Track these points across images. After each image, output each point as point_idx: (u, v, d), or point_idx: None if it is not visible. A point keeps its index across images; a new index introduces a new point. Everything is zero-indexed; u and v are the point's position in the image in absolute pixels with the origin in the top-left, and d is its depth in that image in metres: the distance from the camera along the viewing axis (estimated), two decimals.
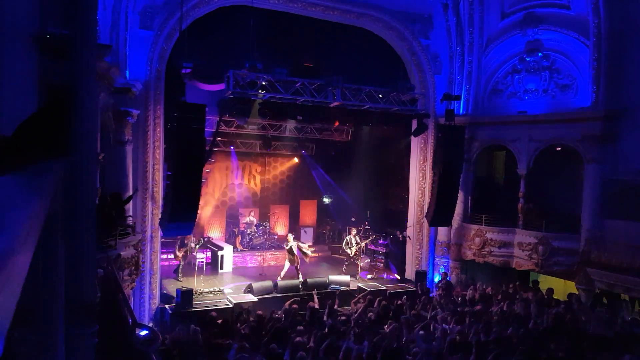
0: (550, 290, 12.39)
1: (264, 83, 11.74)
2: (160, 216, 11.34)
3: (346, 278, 14.01)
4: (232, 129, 17.11)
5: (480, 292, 12.58)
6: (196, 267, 14.07)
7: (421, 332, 8.32)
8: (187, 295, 11.47)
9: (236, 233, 17.63)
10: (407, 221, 16.08)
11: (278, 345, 7.25)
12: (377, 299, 11.57)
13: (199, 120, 10.06)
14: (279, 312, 9.96)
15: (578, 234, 12.89)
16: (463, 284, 14.30)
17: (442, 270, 15.31)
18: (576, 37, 13.16)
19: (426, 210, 14.85)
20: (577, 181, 13.24)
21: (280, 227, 19.38)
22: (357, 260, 15.55)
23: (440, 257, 15.64)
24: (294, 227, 19.03)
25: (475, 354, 7.36)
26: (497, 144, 15.18)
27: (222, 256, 15.46)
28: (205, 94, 13.48)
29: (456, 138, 13.48)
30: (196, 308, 11.31)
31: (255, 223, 17.88)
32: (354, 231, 15.96)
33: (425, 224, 15.23)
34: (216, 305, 11.48)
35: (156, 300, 12.27)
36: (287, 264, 14.05)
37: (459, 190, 14.03)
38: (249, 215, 18.24)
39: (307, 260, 14.64)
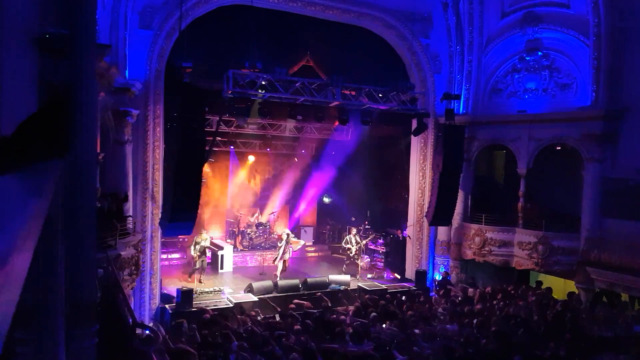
0: (549, 290, 12.39)
1: (263, 82, 11.73)
2: (160, 216, 11.33)
3: (346, 277, 14.01)
4: (232, 128, 17.10)
5: (480, 291, 12.58)
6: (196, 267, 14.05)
7: (421, 331, 8.33)
8: (187, 295, 11.47)
9: (236, 233, 17.63)
10: (407, 220, 16.08)
11: (277, 345, 7.25)
12: (376, 298, 11.59)
13: (198, 120, 10.06)
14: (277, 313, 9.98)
15: (578, 233, 12.89)
16: (463, 283, 14.30)
17: (442, 269, 15.32)
18: (576, 36, 13.15)
19: (426, 210, 14.86)
20: (577, 180, 13.24)
21: (280, 227, 19.38)
22: (357, 259, 15.55)
23: (440, 257, 15.64)
24: (294, 226, 19.04)
25: (475, 353, 7.35)
26: (497, 143, 15.18)
27: (222, 256, 15.46)
28: (205, 93, 13.48)
29: (456, 137, 13.47)
30: (196, 308, 11.30)
31: (255, 223, 17.88)
32: (354, 231, 15.96)
33: (425, 224, 15.24)
34: (216, 305, 11.49)
35: (156, 300, 12.27)
36: (280, 263, 14.18)
37: (459, 190, 14.02)
38: (250, 215, 18.24)
39: (294, 248, 14.85)
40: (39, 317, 2.23)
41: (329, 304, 11.09)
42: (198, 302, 11.70)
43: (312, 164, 20.63)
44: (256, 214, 18.34)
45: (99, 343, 3.20)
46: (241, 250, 17.05)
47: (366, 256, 16.60)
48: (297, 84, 12.30)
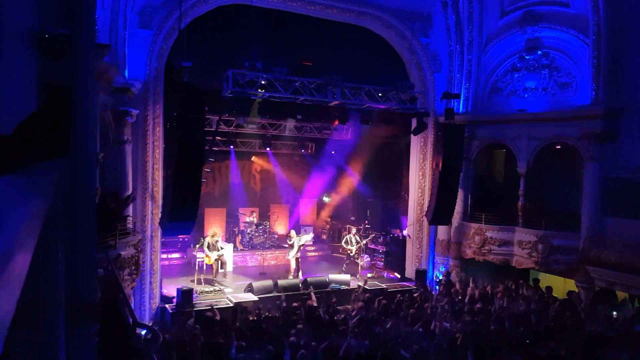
0: (549, 288, 12.39)
1: (263, 82, 11.73)
2: (160, 216, 11.33)
3: (346, 277, 14.02)
4: (232, 128, 17.10)
5: (480, 290, 12.59)
6: (196, 267, 14.06)
7: (421, 329, 8.34)
8: (187, 294, 11.47)
9: (236, 232, 17.63)
10: (407, 220, 16.08)
11: (277, 344, 7.26)
12: (377, 297, 11.60)
13: (198, 120, 10.06)
14: (279, 312, 9.99)
15: (578, 232, 12.89)
16: (463, 282, 14.30)
17: (442, 268, 15.32)
18: (576, 35, 13.15)
19: (426, 209, 14.87)
20: (576, 179, 13.24)
21: (280, 227, 19.38)
22: (357, 259, 15.56)
23: (440, 256, 15.64)
24: (294, 226, 19.03)
25: (475, 351, 7.36)
26: (496, 142, 15.18)
27: (219, 257, 15.43)
28: (205, 93, 13.46)
29: (456, 137, 13.48)
30: (196, 307, 11.31)
31: (255, 222, 17.88)
32: (353, 230, 15.97)
33: (425, 223, 15.24)
34: (216, 305, 11.49)
35: (156, 300, 12.27)
36: (293, 262, 14.20)
37: (459, 189, 14.03)
38: (250, 215, 18.24)
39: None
40: (39, 317, 2.23)
41: (330, 303, 11.07)
42: (198, 301, 11.70)
43: (311, 164, 20.63)
44: (253, 214, 18.33)
45: (99, 343, 3.20)
46: (241, 250, 17.05)
47: (366, 255, 16.61)
48: (296, 84, 12.30)
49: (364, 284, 12.84)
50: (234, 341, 7.49)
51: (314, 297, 11.31)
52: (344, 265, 15.56)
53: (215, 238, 13.96)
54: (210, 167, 18.39)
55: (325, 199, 20.71)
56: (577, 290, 12.49)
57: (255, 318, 9.71)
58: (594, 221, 12.59)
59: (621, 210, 12.04)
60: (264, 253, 16.91)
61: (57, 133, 2.67)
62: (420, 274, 14.75)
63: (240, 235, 17.48)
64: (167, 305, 11.78)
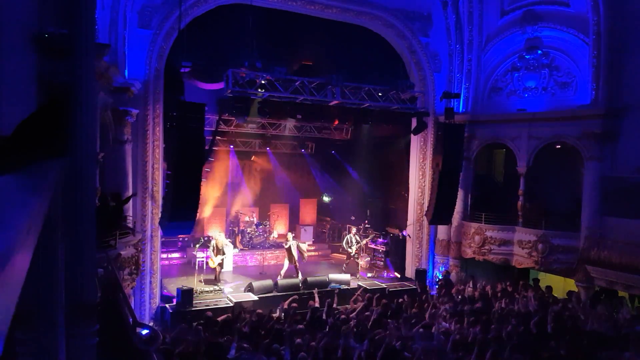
0: (549, 288, 12.39)
1: (263, 82, 11.73)
2: (160, 215, 11.33)
3: (346, 277, 14.01)
4: (232, 127, 17.12)
5: (480, 290, 12.59)
6: (196, 267, 14.06)
7: (421, 330, 8.33)
8: (187, 294, 11.47)
9: (236, 232, 17.64)
10: (407, 219, 16.08)
11: (278, 344, 7.25)
12: (377, 297, 11.60)
13: (198, 120, 10.06)
14: (278, 311, 9.97)
15: (578, 231, 12.89)
16: (463, 282, 14.31)
17: (442, 268, 15.32)
18: (576, 35, 13.15)
19: (426, 209, 14.87)
20: (576, 179, 13.25)
21: (280, 226, 19.38)
22: (357, 258, 15.55)
23: (440, 256, 15.65)
24: (294, 226, 19.04)
25: (475, 352, 7.36)
26: (496, 142, 15.18)
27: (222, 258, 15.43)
28: (205, 92, 13.48)
29: (456, 136, 13.49)
30: (196, 307, 11.31)
31: (255, 222, 17.88)
32: (353, 230, 15.96)
33: (425, 222, 15.24)
34: (216, 305, 11.50)
35: (156, 300, 12.27)
36: (286, 263, 14.08)
37: (459, 189, 14.04)
38: (250, 214, 18.24)
39: (303, 260, 14.64)
40: (39, 317, 2.23)
41: (331, 303, 11.07)
42: (198, 301, 11.70)
43: (311, 163, 20.63)
44: (253, 214, 18.34)
45: (100, 343, 3.19)
46: (241, 249, 17.05)
47: (366, 255, 16.61)
48: (296, 83, 12.30)
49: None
50: (234, 341, 7.49)
51: (317, 297, 11.30)
52: (344, 265, 15.56)
53: (222, 241, 13.93)
54: (210, 167, 18.41)
55: (325, 199, 20.71)
56: (577, 290, 12.49)
57: (255, 318, 9.70)
58: (594, 221, 12.59)
59: (621, 210, 12.04)
60: (264, 253, 16.91)
61: (57, 133, 2.67)
62: (420, 274, 14.75)
63: (240, 235, 17.48)
64: (167, 305, 11.78)
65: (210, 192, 18.52)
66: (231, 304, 11.59)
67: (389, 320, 9.28)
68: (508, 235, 14.27)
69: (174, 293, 12.09)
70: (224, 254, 13.83)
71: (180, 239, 16.90)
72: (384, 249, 16.67)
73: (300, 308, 10.31)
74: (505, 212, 14.43)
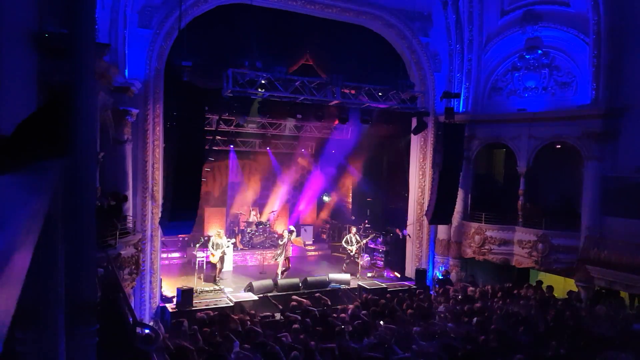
0: (550, 288, 12.39)
1: (263, 81, 11.72)
2: (160, 215, 11.33)
3: (346, 276, 14.02)
4: (232, 127, 17.11)
5: (480, 289, 12.59)
6: (196, 266, 14.06)
7: (420, 329, 8.33)
8: (187, 294, 11.47)
9: (236, 232, 17.64)
10: (407, 219, 16.08)
11: (274, 344, 7.25)
12: (376, 297, 11.60)
13: (198, 119, 10.06)
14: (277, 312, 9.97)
15: (578, 231, 12.89)
16: (463, 282, 14.31)
17: (442, 268, 15.32)
18: (576, 35, 13.14)
19: (426, 208, 14.87)
20: (576, 179, 13.24)
21: (280, 226, 19.38)
22: (357, 258, 15.55)
23: (440, 255, 15.65)
24: (294, 225, 19.03)
25: (475, 351, 7.36)
26: (497, 141, 15.18)
27: (222, 254, 15.43)
28: (205, 92, 13.45)
29: (456, 136, 13.49)
30: (196, 307, 11.31)
31: (255, 222, 17.88)
32: (353, 229, 15.96)
33: (425, 222, 15.24)
34: (217, 304, 11.50)
35: (156, 299, 12.27)
36: (280, 260, 14.18)
37: (459, 188, 14.04)
38: (250, 214, 18.24)
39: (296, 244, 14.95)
40: (39, 317, 2.23)
41: (329, 303, 11.08)
42: (198, 301, 11.71)
43: (311, 163, 20.63)
44: (253, 213, 18.34)
45: (100, 342, 3.19)
46: (241, 249, 17.05)
47: (366, 255, 16.61)
48: (296, 83, 12.29)
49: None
50: (234, 341, 7.49)
51: (315, 297, 11.31)
52: (344, 265, 15.56)
53: (220, 237, 13.97)
54: (210, 167, 18.41)
55: (325, 198, 20.71)
56: (577, 290, 12.49)
57: (254, 318, 9.71)
58: (594, 220, 12.59)
59: (621, 209, 12.04)
60: (264, 252, 16.91)
61: (57, 133, 2.67)
62: (420, 274, 14.75)
63: (240, 234, 17.48)
64: (167, 305, 11.78)
65: (210, 192, 18.52)
66: (231, 304, 11.59)
67: (388, 319, 9.27)
68: (508, 235, 14.27)
69: (174, 293, 12.09)
70: (222, 248, 13.86)
71: (180, 238, 16.90)
72: (384, 249, 16.67)
73: (299, 308, 10.31)
74: (505, 212, 14.43)
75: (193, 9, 12.16)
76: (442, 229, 15.48)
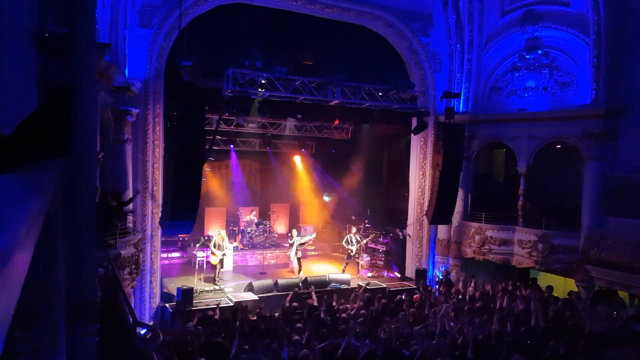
0: (550, 288, 12.39)
1: (263, 81, 11.73)
2: (160, 215, 11.33)
3: (346, 276, 14.02)
4: (232, 127, 17.11)
5: (480, 289, 12.58)
6: (196, 266, 14.07)
7: (421, 329, 8.33)
8: (187, 293, 11.47)
9: (236, 232, 17.64)
10: (407, 219, 16.08)
11: (277, 343, 7.25)
12: (377, 296, 11.60)
13: (198, 119, 10.07)
14: (278, 312, 9.97)
15: (578, 231, 12.89)
16: (463, 282, 14.30)
17: (442, 268, 15.32)
18: (576, 35, 13.14)
19: (426, 208, 14.87)
20: (577, 179, 13.24)
21: (280, 226, 19.39)
22: (358, 258, 15.56)
23: (440, 255, 15.65)
24: (294, 225, 19.04)
25: (475, 351, 7.36)
26: (497, 141, 15.17)
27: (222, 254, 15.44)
28: (205, 92, 13.45)
29: (456, 136, 13.49)
30: (196, 307, 11.31)
31: (255, 222, 17.88)
32: (354, 229, 15.96)
33: (425, 222, 15.24)
34: (217, 304, 11.49)
35: (157, 299, 12.27)
36: (295, 262, 14.24)
37: (459, 188, 14.05)
38: (250, 214, 18.24)
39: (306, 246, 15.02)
40: (39, 316, 2.24)
41: (330, 302, 11.07)
42: (198, 301, 11.71)
43: (311, 163, 20.63)
44: (253, 213, 18.34)
45: (100, 342, 3.20)
46: (241, 249, 17.05)
47: (366, 255, 16.61)
48: (296, 83, 12.30)
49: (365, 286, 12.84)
50: (235, 341, 7.49)
51: (314, 296, 11.32)
52: (344, 265, 15.57)
53: (223, 239, 13.96)
54: (211, 167, 18.41)
55: (326, 198, 20.70)
56: (577, 290, 12.49)
57: (255, 317, 9.72)
58: (594, 220, 12.59)
59: (621, 209, 12.04)
60: (264, 252, 16.92)
61: (57, 132, 2.67)
62: (421, 274, 14.75)
63: (240, 234, 17.48)
64: (167, 304, 11.78)
65: (211, 192, 18.53)
66: (231, 304, 11.59)
67: (388, 319, 9.27)
68: (508, 235, 14.27)
69: (174, 292, 12.09)
70: (224, 249, 13.86)
71: (181, 238, 16.90)
72: (384, 249, 16.67)
73: (300, 307, 10.32)
74: (506, 212, 14.42)
75: (193, 9, 12.16)
76: (442, 229, 15.48)
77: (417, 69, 15.28)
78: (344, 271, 14.91)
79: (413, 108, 14.09)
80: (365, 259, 16.39)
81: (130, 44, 11.36)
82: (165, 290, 12.87)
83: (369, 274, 15.59)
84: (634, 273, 11.16)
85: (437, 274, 15.39)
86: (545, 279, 13.82)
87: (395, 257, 16.48)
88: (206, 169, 16.83)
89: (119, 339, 4.97)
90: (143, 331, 5.71)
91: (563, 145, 13.93)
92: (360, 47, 14.45)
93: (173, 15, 11.56)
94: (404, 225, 16.33)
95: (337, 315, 9.66)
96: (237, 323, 9.07)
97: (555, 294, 12.23)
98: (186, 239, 16.83)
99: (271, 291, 12.74)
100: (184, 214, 9.98)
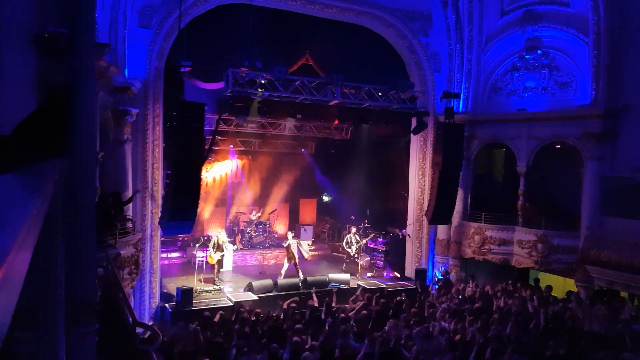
0: (549, 288, 12.40)
1: (263, 81, 11.73)
2: (160, 215, 11.33)
3: (346, 276, 14.02)
4: (232, 127, 17.10)
5: (480, 289, 12.59)
6: (196, 266, 14.06)
7: (420, 330, 8.33)
8: (187, 294, 11.47)
9: (236, 232, 17.64)
10: (407, 219, 16.09)
11: (277, 344, 7.25)
12: (376, 296, 11.60)
13: (198, 119, 10.06)
14: (278, 312, 9.97)
15: (577, 231, 12.90)
16: (462, 282, 14.31)
17: (442, 268, 15.32)
18: (575, 35, 13.15)
19: (426, 208, 14.87)
20: (576, 179, 13.24)
21: (280, 226, 19.39)
22: (357, 258, 15.55)
23: (440, 255, 15.65)
24: (294, 225, 19.04)
25: (474, 351, 7.36)
26: (496, 141, 15.18)
27: (221, 257, 15.44)
28: (205, 92, 13.46)
29: (456, 136, 13.49)
30: (196, 307, 11.31)
31: (255, 221, 17.88)
32: (353, 229, 15.96)
33: (425, 222, 15.24)
34: (216, 304, 11.50)
35: (156, 299, 12.28)
36: (286, 262, 14.09)
37: (459, 188, 14.04)
38: (249, 213, 18.24)
39: (305, 259, 14.65)
40: (38, 316, 2.24)
41: (330, 302, 11.08)
42: (198, 301, 11.70)
43: (311, 163, 20.63)
44: (254, 212, 18.34)
45: (99, 342, 3.20)
46: (241, 249, 17.05)
47: (366, 255, 16.61)
48: (296, 83, 12.30)
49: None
50: (234, 341, 7.49)
51: (315, 297, 11.31)
52: (344, 265, 15.56)
53: (222, 238, 13.94)
54: (210, 166, 18.40)
55: (325, 198, 20.70)
56: (576, 290, 12.50)
57: (254, 318, 9.71)
58: (594, 221, 12.60)
59: (621, 209, 12.05)
60: (263, 252, 16.91)
61: (57, 132, 2.67)
62: (420, 274, 14.75)
63: (240, 234, 17.48)
64: (167, 304, 11.78)
65: (210, 192, 18.52)
66: (231, 304, 11.59)
67: (388, 319, 9.27)
68: (508, 235, 14.28)
69: (174, 292, 12.09)
70: (223, 250, 13.85)
71: (180, 238, 16.90)
72: (384, 249, 16.67)
73: (300, 307, 10.31)
74: (505, 212, 14.43)
75: (193, 9, 12.16)
76: (441, 229, 15.48)
77: (416, 69, 15.28)
78: (343, 271, 14.89)
79: (413, 108, 14.09)
80: (365, 259, 16.38)
81: (130, 44, 11.36)
82: (165, 290, 12.87)
83: (369, 274, 15.59)
84: (633, 273, 11.17)
85: (437, 274, 15.39)
86: (545, 279, 13.82)
87: (395, 257, 16.46)
88: (206, 168, 16.81)
89: (119, 339, 4.97)
90: (143, 331, 5.72)
91: (563, 145, 13.93)
92: (360, 47, 14.46)
93: (173, 15, 11.56)
94: (403, 225, 16.34)
95: (337, 315, 9.66)
96: (236, 323, 9.07)
97: (554, 294, 12.25)
98: (186, 239, 16.82)
99: (271, 291, 12.74)
100: (183, 214, 9.97)
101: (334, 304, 10.88)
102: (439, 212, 13.65)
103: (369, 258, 16.69)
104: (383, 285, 14.11)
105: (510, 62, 14.80)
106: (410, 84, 14.05)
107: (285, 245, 14.15)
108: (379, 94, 13.42)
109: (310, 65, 14.23)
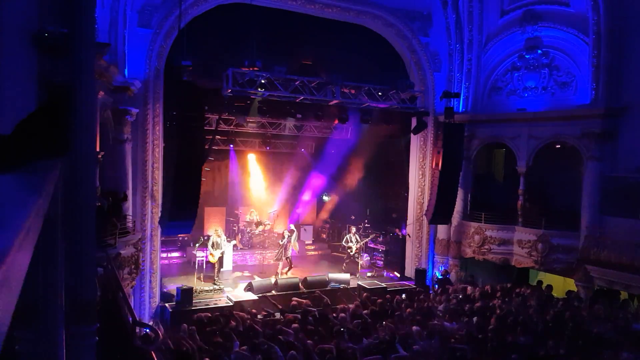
0: (549, 287, 12.40)
1: (263, 81, 11.72)
2: (160, 215, 11.33)
3: (346, 276, 14.02)
4: (232, 127, 17.09)
5: (479, 289, 12.59)
6: (196, 266, 14.06)
7: (420, 329, 8.33)
8: (187, 293, 11.47)
9: (236, 231, 17.63)
10: (407, 219, 16.08)
11: (275, 344, 7.25)
12: (375, 296, 11.60)
13: (198, 119, 10.06)
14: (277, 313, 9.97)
15: (577, 231, 12.90)
16: (462, 282, 14.31)
17: (441, 268, 15.32)
18: (575, 34, 13.14)
19: (426, 208, 14.87)
20: (576, 178, 13.24)
21: (280, 226, 19.36)
22: (357, 258, 15.55)
23: (439, 255, 15.65)
24: (295, 225, 19.02)
25: (474, 351, 7.36)
26: (496, 141, 15.18)
27: (222, 254, 15.43)
28: (205, 92, 13.45)
29: (456, 136, 13.50)
30: (196, 306, 11.31)
31: (255, 221, 17.87)
32: (353, 229, 15.96)
33: (425, 222, 15.24)
34: (216, 304, 11.50)
35: (156, 299, 12.27)
36: (281, 260, 14.21)
37: (459, 188, 14.05)
38: (249, 213, 18.23)
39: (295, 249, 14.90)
40: (38, 316, 2.24)
41: (329, 302, 11.09)
42: (198, 300, 11.70)
43: (311, 163, 20.62)
44: (254, 212, 18.33)
45: (99, 342, 3.20)
46: (241, 248, 17.05)
47: (366, 255, 16.61)
48: (296, 83, 12.29)
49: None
50: (234, 341, 7.49)
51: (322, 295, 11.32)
52: (344, 265, 15.56)
53: (220, 236, 13.97)
54: (210, 166, 18.38)
55: (325, 198, 20.69)
56: (576, 290, 12.50)
57: (253, 317, 9.71)
58: (594, 220, 12.59)
59: (621, 209, 12.05)
60: (263, 252, 16.91)
61: (57, 132, 2.67)
62: (420, 273, 14.75)
63: (239, 234, 17.47)
64: (167, 304, 11.78)
65: (210, 192, 18.51)
66: (231, 303, 11.59)
67: (386, 319, 9.27)
68: (508, 235, 14.28)
69: (174, 292, 12.09)
70: (222, 248, 13.87)
71: (180, 238, 16.89)
72: (384, 249, 16.67)
73: (299, 307, 10.31)
74: (505, 212, 14.43)
75: (193, 9, 12.16)
76: (441, 229, 15.48)
77: (416, 69, 15.28)
78: (343, 271, 14.89)
79: (413, 108, 14.09)
80: (364, 258, 16.38)
81: (129, 43, 11.36)
82: (165, 290, 12.87)
83: (369, 274, 15.59)
84: (633, 273, 11.16)
85: (437, 273, 15.39)
86: (545, 279, 13.82)
87: (395, 257, 16.46)
88: (205, 168, 16.78)
89: (119, 339, 4.97)
90: (143, 331, 5.72)
91: (563, 145, 13.93)
92: (360, 47, 14.45)
93: (173, 15, 11.56)
94: (403, 225, 16.34)
95: (335, 315, 9.66)
96: (236, 323, 9.07)
97: (554, 294, 12.25)
98: (186, 238, 16.81)
99: (271, 291, 12.74)
100: (183, 214, 9.98)
101: (332, 304, 10.88)
102: (439, 211, 13.65)
103: (368, 258, 16.69)
104: (383, 285, 14.11)
105: (510, 62, 14.80)
106: (410, 84, 14.05)
107: (281, 243, 14.28)
108: (379, 93, 13.42)
109: (311, 65, 14.23)
